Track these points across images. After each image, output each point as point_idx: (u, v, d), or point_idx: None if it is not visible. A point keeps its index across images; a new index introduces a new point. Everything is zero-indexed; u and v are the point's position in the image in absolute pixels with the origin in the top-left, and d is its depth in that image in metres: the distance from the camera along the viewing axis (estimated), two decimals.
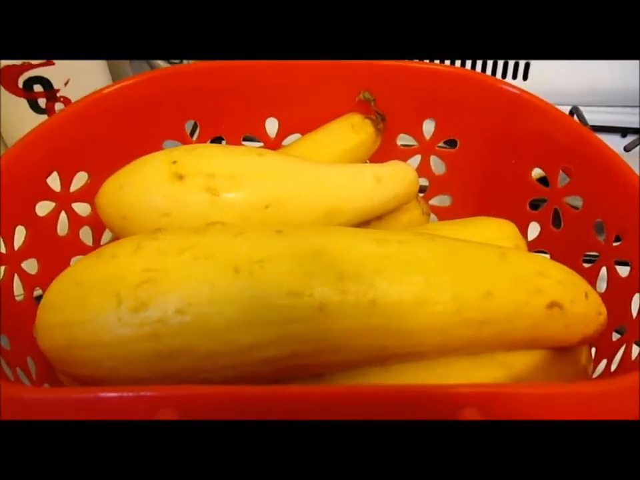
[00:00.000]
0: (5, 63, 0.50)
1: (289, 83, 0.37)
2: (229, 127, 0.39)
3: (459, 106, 0.37)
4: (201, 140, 0.38)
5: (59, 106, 0.55)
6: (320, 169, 0.32)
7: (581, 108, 0.56)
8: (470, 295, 0.24)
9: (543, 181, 0.36)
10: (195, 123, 0.39)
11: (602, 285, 0.31)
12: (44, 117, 0.54)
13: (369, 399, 0.17)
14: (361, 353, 0.24)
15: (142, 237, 0.24)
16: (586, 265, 0.32)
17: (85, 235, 0.35)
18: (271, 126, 0.39)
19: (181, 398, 0.18)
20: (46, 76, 0.52)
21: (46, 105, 0.54)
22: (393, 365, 0.25)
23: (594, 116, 0.56)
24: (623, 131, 0.56)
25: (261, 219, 0.29)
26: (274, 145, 0.39)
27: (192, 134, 0.39)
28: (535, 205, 0.36)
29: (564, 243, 0.34)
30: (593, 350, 0.30)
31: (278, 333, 0.22)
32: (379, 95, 0.37)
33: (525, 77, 0.61)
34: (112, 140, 0.35)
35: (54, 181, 0.33)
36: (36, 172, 0.31)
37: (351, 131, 0.37)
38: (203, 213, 0.28)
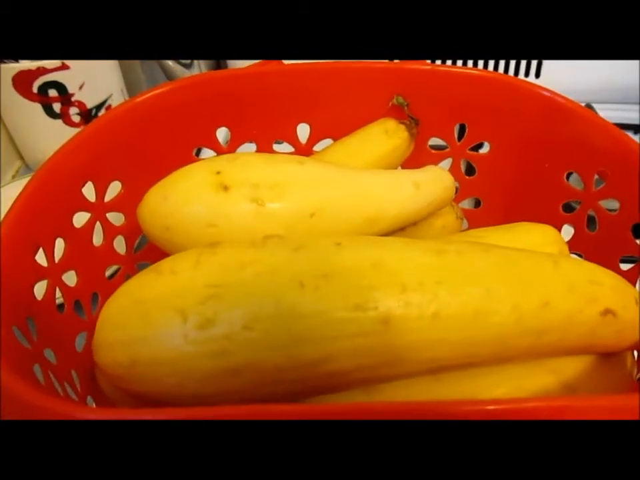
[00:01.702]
0: (19, 68, 0.50)
1: (320, 87, 0.37)
2: (260, 133, 0.38)
3: (491, 110, 0.37)
4: (232, 146, 0.38)
5: (73, 110, 0.54)
6: (360, 176, 0.32)
7: (594, 105, 0.57)
8: (528, 304, 0.24)
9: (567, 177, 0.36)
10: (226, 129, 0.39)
11: None
12: (58, 122, 0.54)
13: (436, 415, 0.17)
14: (419, 365, 0.24)
15: (199, 251, 0.24)
16: (623, 267, 0.32)
17: (118, 244, 0.35)
18: (302, 131, 0.39)
19: (260, 415, 0.18)
20: (61, 80, 0.52)
21: (60, 110, 0.53)
22: (443, 374, 0.26)
23: (607, 113, 0.56)
24: (636, 128, 0.57)
25: (306, 228, 0.29)
26: (305, 150, 0.39)
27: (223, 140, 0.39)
28: (567, 207, 0.37)
29: (599, 245, 0.34)
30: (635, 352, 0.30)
31: (344, 347, 0.22)
32: (410, 98, 0.37)
33: (537, 75, 0.61)
34: (144, 148, 0.35)
35: (88, 192, 0.32)
36: (72, 183, 0.31)
37: (385, 136, 0.37)
38: (250, 223, 0.28)
